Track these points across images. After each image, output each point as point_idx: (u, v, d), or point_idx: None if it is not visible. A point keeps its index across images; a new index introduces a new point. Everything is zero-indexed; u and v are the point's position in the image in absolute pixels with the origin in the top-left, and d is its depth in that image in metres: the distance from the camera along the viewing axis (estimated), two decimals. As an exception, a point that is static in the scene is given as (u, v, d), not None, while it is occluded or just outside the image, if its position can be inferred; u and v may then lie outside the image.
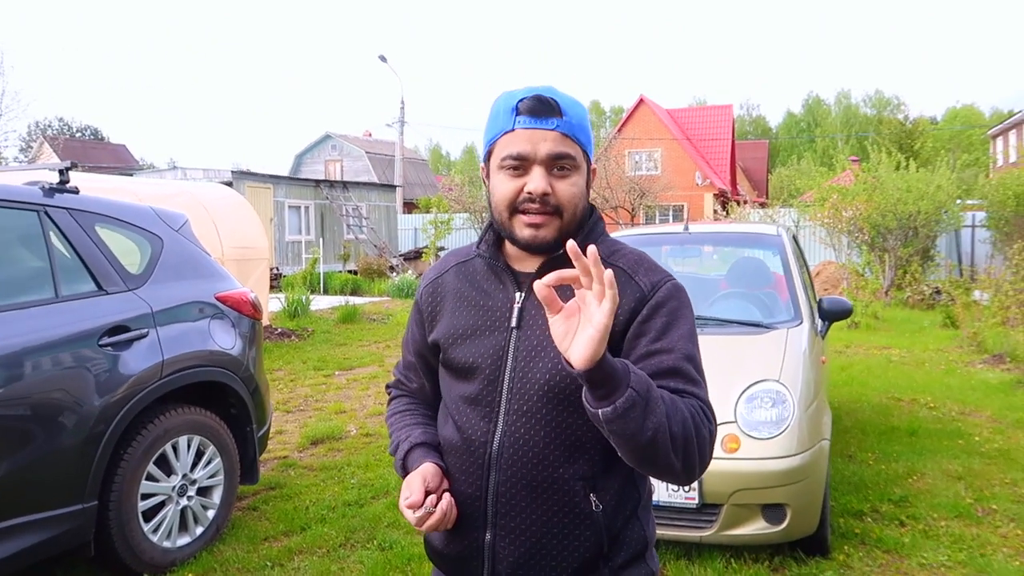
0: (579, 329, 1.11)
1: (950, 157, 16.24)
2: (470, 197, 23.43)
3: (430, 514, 1.33)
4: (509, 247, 1.44)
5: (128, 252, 3.62)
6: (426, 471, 1.38)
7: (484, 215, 23.02)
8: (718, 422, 3.56)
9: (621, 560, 1.37)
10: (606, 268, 1.28)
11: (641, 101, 34.53)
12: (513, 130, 1.34)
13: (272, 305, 11.79)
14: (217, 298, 3.94)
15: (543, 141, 1.32)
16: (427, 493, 1.35)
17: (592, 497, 1.34)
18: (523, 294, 1.40)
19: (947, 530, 3.92)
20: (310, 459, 5.29)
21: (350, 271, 20.52)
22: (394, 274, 19.42)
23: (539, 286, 1.11)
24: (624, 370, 1.14)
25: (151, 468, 3.45)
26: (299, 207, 21.63)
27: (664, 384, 1.26)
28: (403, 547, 3.77)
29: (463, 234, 23.85)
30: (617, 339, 1.33)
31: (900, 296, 14.47)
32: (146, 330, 3.44)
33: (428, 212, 23.43)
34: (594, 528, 1.34)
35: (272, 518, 4.17)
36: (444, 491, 1.38)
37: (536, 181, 1.32)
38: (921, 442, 5.43)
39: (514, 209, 1.35)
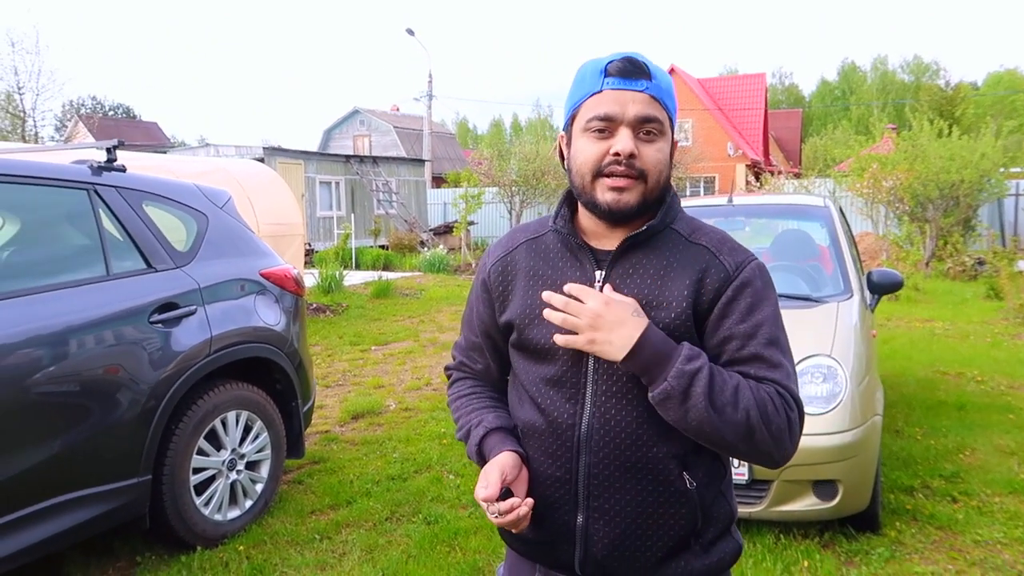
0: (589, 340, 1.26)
1: (994, 124, 15.73)
2: (499, 171, 23.30)
3: (506, 512, 1.28)
4: (585, 223, 1.40)
5: (174, 229, 3.64)
6: (504, 462, 1.34)
7: (513, 188, 22.92)
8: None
9: (711, 536, 1.38)
10: (691, 246, 1.34)
11: (672, 70, 33.98)
12: (601, 91, 1.30)
13: (306, 280, 11.86)
14: (261, 275, 3.95)
15: (632, 102, 1.29)
16: (504, 484, 1.31)
17: (685, 475, 1.34)
18: (603, 272, 1.36)
19: (1001, 506, 3.85)
20: (351, 433, 5.33)
21: (381, 246, 20.61)
22: (425, 249, 19.45)
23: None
24: (667, 362, 1.21)
25: (201, 443, 3.49)
26: (330, 183, 21.71)
27: (745, 370, 1.27)
28: (448, 521, 3.79)
29: (493, 208, 23.78)
30: (702, 318, 1.32)
31: (940, 268, 14.18)
32: (194, 307, 3.47)
33: (457, 186, 23.40)
34: (689, 506, 1.34)
35: (318, 492, 4.22)
36: (525, 495, 1.35)
37: (623, 142, 1.28)
38: (970, 416, 5.32)
39: (598, 172, 1.31)
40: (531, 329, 1.39)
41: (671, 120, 1.35)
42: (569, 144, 1.37)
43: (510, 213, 23.63)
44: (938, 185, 14.45)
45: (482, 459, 1.40)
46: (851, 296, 4.02)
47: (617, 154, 1.28)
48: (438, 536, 3.62)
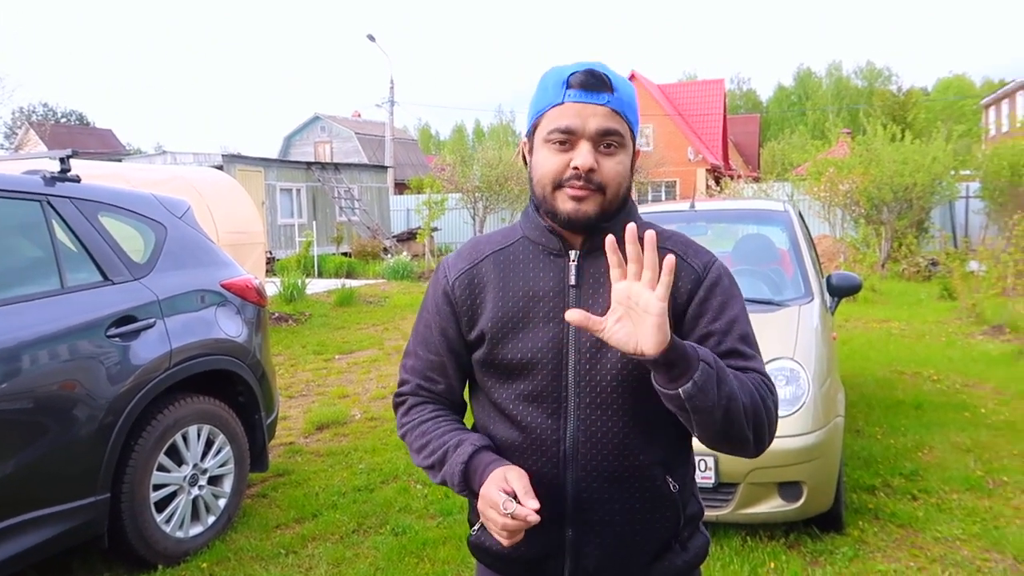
0: (639, 322, 1.13)
1: (944, 128, 16.17)
2: (462, 177, 23.27)
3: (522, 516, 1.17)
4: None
5: (132, 241, 3.56)
6: (521, 472, 1.25)
7: (476, 194, 22.90)
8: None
9: (687, 534, 1.43)
10: (658, 249, 1.29)
11: (632, 76, 34.30)
12: (563, 103, 1.30)
13: (268, 289, 11.70)
14: (222, 285, 3.88)
15: (593, 116, 1.29)
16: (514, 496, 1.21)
17: (669, 479, 1.37)
18: (578, 252, 1.36)
19: (959, 503, 3.93)
20: (316, 445, 5.26)
21: (344, 253, 20.42)
22: (388, 256, 19.33)
23: (609, 242, 1.15)
24: (692, 347, 1.17)
25: (162, 458, 3.42)
26: (291, 190, 21.48)
27: (726, 364, 1.27)
28: (417, 532, 3.76)
29: (456, 214, 23.73)
30: (676, 321, 1.33)
31: (896, 269, 14.51)
32: (153, 320, 3.39)
33: (420, 193, 23.28)
34: (673, 509, 1.38)
35: (283, 505, 4.15)
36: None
37: (583, 156, 1.28)
38: (927, 415, 5.44)
39: (558, 184, 1.31)
40: (505, 344, 1.36)
41: (632, 132, 1.35)
42: (532, 151, 1.38)
43: (474, 219, 23.60)
44: (892, 188, 14.79)
45: (466, 481, 1.31)
46: (812, 299, 4.09)
47: (577, 168, 1.29)
48: (406, 547, 3.59)
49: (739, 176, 24.10)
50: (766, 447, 1.29)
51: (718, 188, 21.80)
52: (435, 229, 20.16)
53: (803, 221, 5.00)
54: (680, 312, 1.34)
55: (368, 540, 3.72)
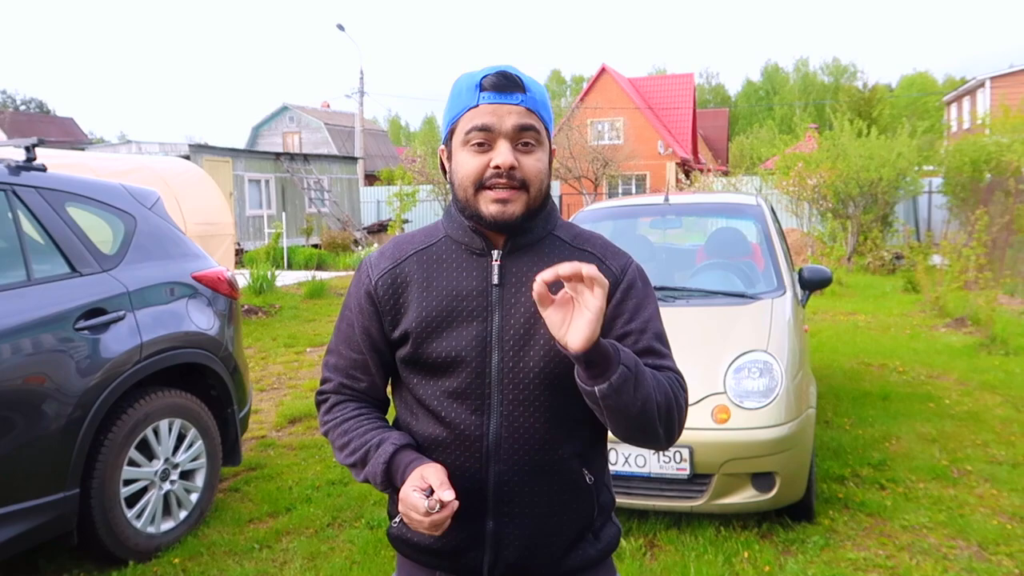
0: (575, 315, 1.17)
1: (909, 124, 16.44)
2: (433, 168, 23.19)
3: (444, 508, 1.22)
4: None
5: (100, 232, 3.49)
6: (440, 468, 1.28)
7: (447, 186, 22.77)
8: (709, 392, 3.53)
9: (600, 523, 1.47)
10: (576, 252, 1.40)
11: (603, 70, 34.38)
12: (477, 106, 1.32)
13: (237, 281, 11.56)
14: (193, 277, 3.83)
15: (508, 114, 1.31)
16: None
17: (585, 471, 1.42)
18: (500, 251, 1.38)
19: (926, 492, 4.02)
20: (289, 438, 5.22)
21: (314, 245, 20.24)
22: (359, 247, 19.21)
23: (537, 283, 1.16)
24: (614, 348, 1.21)
25: (132, 453, 3.36)
26: (259, 181, 21.20)
27: (643, 360, 1.33)
28: (392, 525, 3.74)
29: (427, 206, 23.66)
30: None
31: (861, 262, 14.74)
32: (123, 312, 3.33)
33: (391, 184, 23.14)
34: (587, 499, 1.42)
35: (256, 499, 4.11)
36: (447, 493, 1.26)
37: (503, 155, 1.30)
38: (894, 406, 5.55)
39: (480, 185, 1.32)
40: (429, 342, 1.37)
41: (548, 130, 1.38)
42: (450, 158, 1.39)
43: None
44: (859, 183, 15.01)
45: (388, 479, 1.33)
46: (784, 292, 4.14)
47: (498, 167, 1.30)
48: (382, 541, 3.57)
49: (708, 170, 24.32)
50: (675, 440, 1.35)
51: (688, 182, 21.97)
52: (406, 221, 20.09)
53: (775, 215, 5.06)
54: None
55: (343, 534, 3.70)
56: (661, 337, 1.39)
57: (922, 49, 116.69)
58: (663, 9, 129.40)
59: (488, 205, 1.31)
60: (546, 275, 1.15)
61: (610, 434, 1.38)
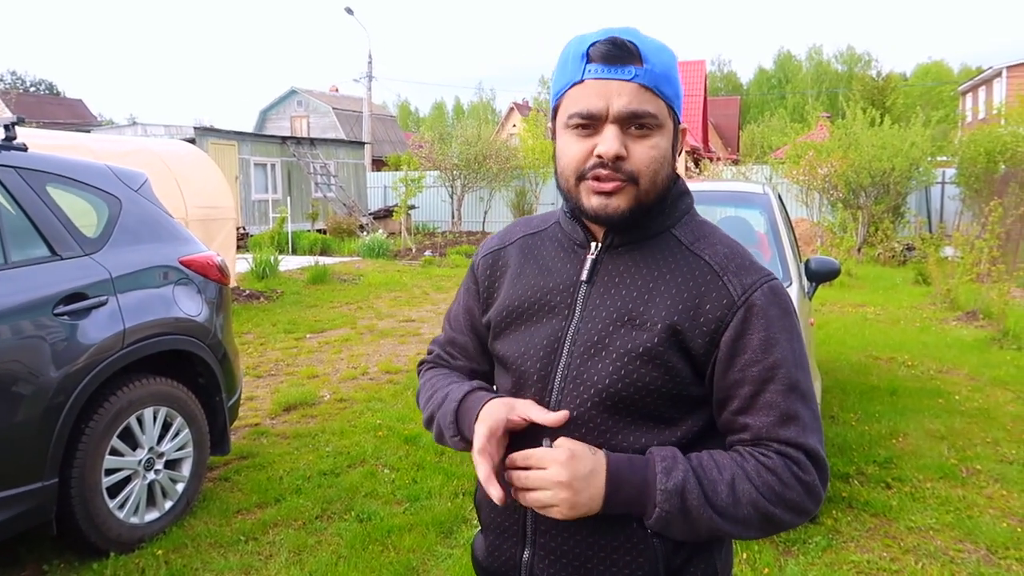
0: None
1: (923, 114, 16.20)
2: (440, 154, 23.03)
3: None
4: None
5: (83, 214, 3.39)
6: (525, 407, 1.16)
7: (454, 172, 22.68)
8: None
9: None
10: (690, 257, 1.16)
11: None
12: (582, 81, 1.11)
13: (239, 266, 11.49)
14: (181, 262, 3.72)
15: (618, 95, 1.09)
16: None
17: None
18: (599, 245, 1.20)
19: (933, 492, 3.90)
20: (283, 426, 5.13)
21: (319, 230, 20.14)
22: (364, 233, 19.10)
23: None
24: (646, 487, 1.06)
25: (115, 442, 3.27)
26: (265, 165, 21.10)
27: (753, 422, 1.11)
28: (382, 518, 3.65)
29: (434, 192, 23.50)
30: (702, 357, 1.12)
31: (872, 253, 14.56)
32: (105, 297, 3.23)
33: (397, 170, 22.96)
34: (648, 556, 1.14)
35: (245, 489, 4.02)
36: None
37: (608, 142, 1.09)
38: (902, 401, 5.41)
39: (581, 175, 1.13)
40: (505, 335, 1.25)
41: (672, 109, 1.14)
42: (555, 137, 1.19)
43: (451, 197, 23.40)
44: (870, 173, 14.80)
45: (456, 426, 1.21)
46: (790, 284, 4.01)
47: (600, 156, 1.10)
48: (371, 535, 3.48)
49: (718, 158, 24.08)
50: (805, 520, 1.15)
51: (697, 170, 21.77)
52: (412, 207, 19.95)
53: (783, 204, 4.92)
54: (704, 346, 1.11)
55: (332, 526, 3.61)
56: (795, 388, 1.09)
57: (938, 38, 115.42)
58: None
59: (590, 197, 1.12)
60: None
61: None
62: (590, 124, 1.11)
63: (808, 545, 3.35)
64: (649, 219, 1.16)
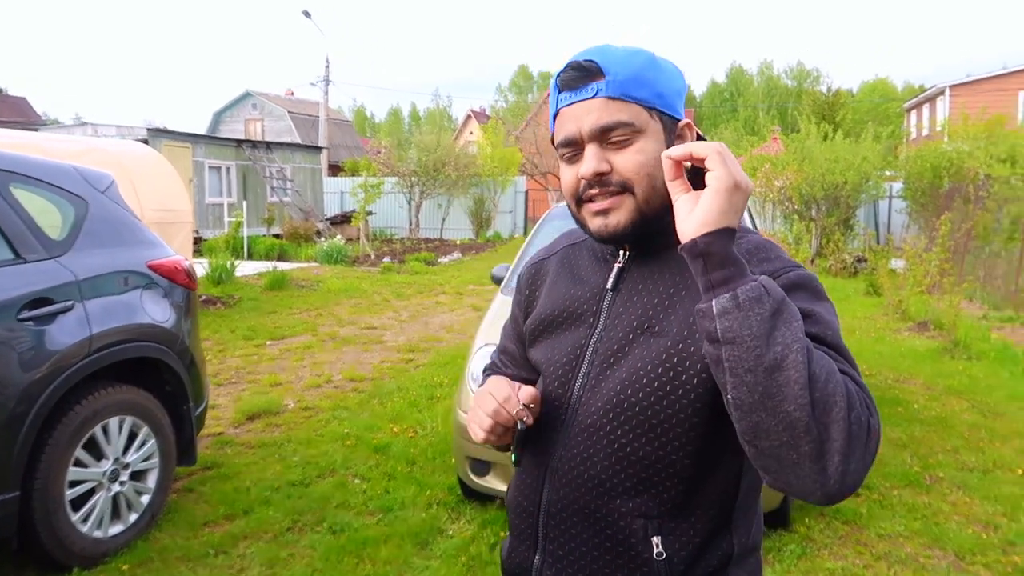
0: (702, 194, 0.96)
1: (873, 129, 16.66)
2: (398, 160, 22.89)
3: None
4: None
5: (48, 216, 3.27)
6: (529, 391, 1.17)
7: (412, 179, 22.56)
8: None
9: None
10: None
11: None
12: (559, 112, 1.15)
13: (195, 271, 11.23)
14: (149, 266, 3.61)
15: (587, 114, 1.10)
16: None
17: (655, 540, 1.10)
18: (627, 254, 1.20)
19: (900, 499, 3.98)
20: (247, 435, 5.01)
21: (275, 235, 19.82)
22: (321, 239, 18.85)
23: (664, 156, 0.99)
24: (741, 263, 0.93)
25: (79, 453, 3.15)
26: (220, 168, 20.68)
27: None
28: (356, 529, 3.59)
29: (392, 198, 23.35)
30: None
31: (823, 264, 14.88)
32: (71, 302, 3.12)
33: (355, 175, 22.72)
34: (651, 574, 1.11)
35: (212, 501, 3.91)
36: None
37: (586, 162, 1.10)
38: (863, 410, 5.52)
39: (579, 200, 1.15)
40: (537, 343, 1.27)
41: (652, 109, 1.11)
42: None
43: (409, 204, 23.27)
44: (823, 186, 15.15)
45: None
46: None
47: (583, 178, 1.11)
48: (345, 547, 3.41)
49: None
50: (853, 472, 0.89)
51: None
52: (370, 213, 19.77)
53: (751, 215, 4.99)
54: None
55: (304, 539, 3.53)
56: (841, 349, 1.00)
57: (882, 56, 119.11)
58: (629, 8, 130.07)
59: (592, 220, 1.14)
60: (675, 152, 0.98)
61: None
62: (574, 150, 1.13)
63: (783, 553, 3.38)
64: (666, 226, 1.07)
